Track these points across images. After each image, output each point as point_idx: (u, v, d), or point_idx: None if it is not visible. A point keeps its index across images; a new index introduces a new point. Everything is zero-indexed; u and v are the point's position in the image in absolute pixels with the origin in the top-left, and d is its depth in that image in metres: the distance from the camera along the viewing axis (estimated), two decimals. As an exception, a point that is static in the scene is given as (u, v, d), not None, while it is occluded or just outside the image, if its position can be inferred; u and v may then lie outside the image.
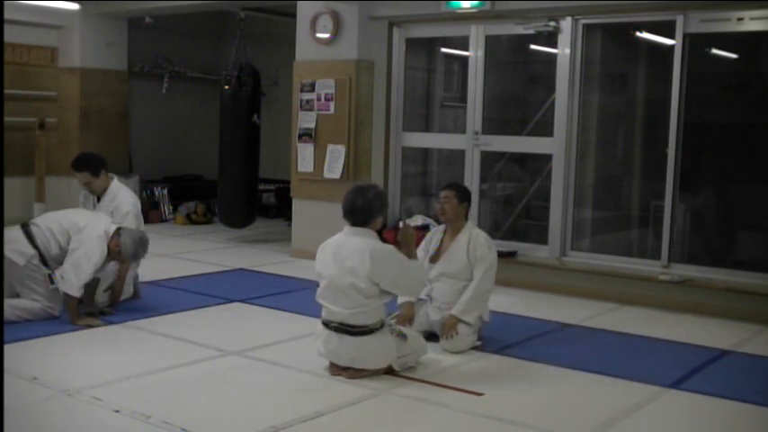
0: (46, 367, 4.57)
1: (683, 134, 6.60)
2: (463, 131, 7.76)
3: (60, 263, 5.51)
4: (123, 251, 5.50)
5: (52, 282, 5.57)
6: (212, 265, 7.84)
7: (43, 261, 5.54)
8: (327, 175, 8.05)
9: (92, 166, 6.02)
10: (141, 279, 6.40)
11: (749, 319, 6.05)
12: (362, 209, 4.48)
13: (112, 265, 6.00)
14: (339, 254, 4.45)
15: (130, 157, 10.89)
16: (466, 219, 5.33)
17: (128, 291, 6.07)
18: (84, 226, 5.49)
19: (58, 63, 10.33)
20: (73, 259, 5.42)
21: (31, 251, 5.49)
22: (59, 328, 5.37)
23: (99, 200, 6.10)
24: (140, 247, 5.58)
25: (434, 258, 5.32)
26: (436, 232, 5.45)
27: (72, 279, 5.39)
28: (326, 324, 4.52)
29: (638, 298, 6.58)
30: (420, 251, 5.41)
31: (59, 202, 10.19)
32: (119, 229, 5.55)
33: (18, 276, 5.51)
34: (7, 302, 5.44)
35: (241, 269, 7.70)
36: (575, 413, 4.14)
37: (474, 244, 5.18)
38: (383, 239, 4.62)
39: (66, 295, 5.44)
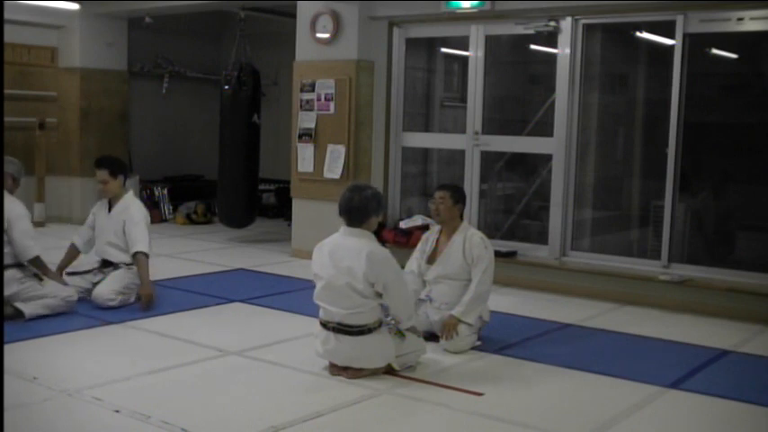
0: (46, 367, 4.57)
1: (683, 134, 6.60)
2: (463, 131, 7.76)
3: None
4: (15, 174, 5.70)
5: (41, 279, 5.60)
6: (212, 265, 7.84)
7: (21, 265, 5.56)
8: (327, 175, 8.05)
9: (112, 166, 6.12)
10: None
11: (749, 319, 6.05)
12: (358, 208, 4.48)
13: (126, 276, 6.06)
14: (336, 254, 4.46)
15: (130, 157, 10.88)
16: (461, 219, 5.33)
17: (130, 297, 6.10)
18: None
19: (58, 63, 10.32)
20: (16, 232, 5.45)
21: (11, 272, 5.44)
22: (59, 327, 5.37)
23: (110, 208, 6.15)
24: (13, 162, 5.76)
25: (431, 259, 5.32)
26: (432, 233, 5.44)
27: (29, 243, 5.51)
28: (324, 324, 4.52)
29: (638, 298, 6.58)
30: (416, 252, 5.44)
31: (59, 202, 10.21)
32: None
33: (18, 297, 5.48)
34: (29, 305, 5.48)
35: (241, 269, 7.70)
36: (575, 413, 4.14)
37: (470, 244, 5.17)
38: (382, 240, 4.63)
39: (36, 260, 5.58)
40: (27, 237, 5.53)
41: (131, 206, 6.14)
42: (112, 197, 6.15)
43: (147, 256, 6.01)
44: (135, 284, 6.11)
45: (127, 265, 6.12)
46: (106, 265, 6.17)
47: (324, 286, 4.48)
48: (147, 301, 5.92)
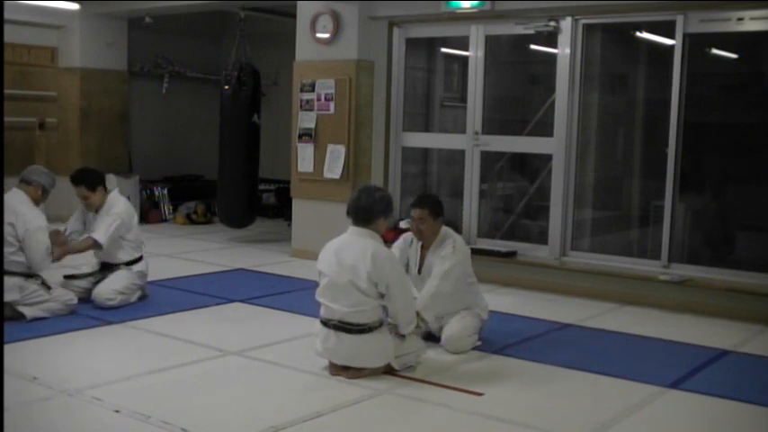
0: (46, 367, 4.57)
1: (683, 134, 6.60)
2: (463, 131, 7.76)
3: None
4: (47, 186, 5.75)
5: (49, 287, 5.60)
6: (212, 265, 7.84)
7: (28, 275, 5.57)
8: (327, 175, 8.05)
9: (89, 180, 6.09)
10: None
11: (749, 319, 6.05)
12: (365, 208, 4.49)
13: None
14: (341, 252, 4.47)
15: (130, 157, 10.90)
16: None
17: (131, 299, 6.10)
18: (7, 210, 5.42)
19: (58, 63, 10.33)
20: (30, 241, 5.47)
21: (14, 280, 5.44)
22: (59, 327, 5.37)
23: (97, 212, 6.14)
24: (47, 174, 5.81)
25: (420, 271, 5.20)
26: (413, 241, 5.20)
27: (42, 252, 5.52)
28: (325, 323, 4.52)
29: (638, 298, 6.58)
30: (395, 249, 5.20)
31: (59, 202, 10.21)
32: (23, 181, 5.70)
33: (20, 303, 5.47)
34: (30, 309, 5.49)
35: (241, 269, 7.70)
36: (575, 413, 4.14)
37: (442, 250, 5.05)
38: (383, 240, 4.63)
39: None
40: (43, 248, 5.56)
41: (116, 204, 6.11)
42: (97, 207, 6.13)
43: (97, 246, 5.97)
44: (135, 285, 6.13)
45: (126, 264, 6.13)
46: (105, 267, 6.17)
47: (327, 284, 4.49)
48: (59, 253, 5.81)
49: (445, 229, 5.16)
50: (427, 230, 5.06)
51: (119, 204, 6.12)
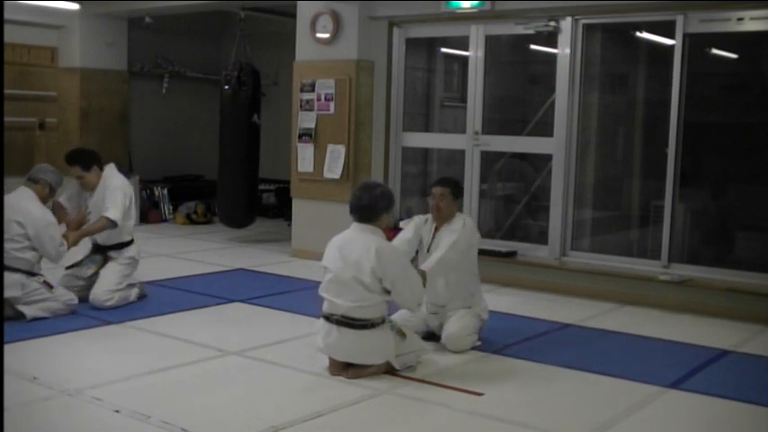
0: (46, 367, 4.57)
1: (683, 134, 6.60)
2: (463, 131, 7.76)
3: (39, 254, 5.61)
4: (54, 185, 5.74)
5: (51, 286, 5.61)
6: (212, 265, 7.84)
7: (31, 273, 5.57)
8: (327, 175, 8.05)
9: (83, 160, 6.09)
10: (142, 279, 6.42)
11: (749, 319, 6.05)
12: (368, 206, 4.52)
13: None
14: (345, 248, 4.49)
15: (130, 157, 10.89)
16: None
17: (130, 296, 6.10)
18: (16, 208, 5.46)
19: (58, 63, 10.33)
20: (44, 238, 5.50)
21: (17, 276, 5.44)
22: (59, 327, 5.37)
23: (93, 190, 6.13)
24: (54, 172, 5.81)
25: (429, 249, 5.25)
26: (427, 221, 5.28)
27: (55, 246, 5.55)
28: (328, 317, 4.53)
29: (638, 298, 6.58)
30: (410, 225, 5.29)
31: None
32: (30, 180, 5.71)
33: (20, 301, 5.47)
34: (31, 308, 5.49)
35: (241, 269, 7.70)
36: (575, 413, 4.14)
37: (453, 226, 5.11)
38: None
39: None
40: (56, 242, 5.59)
41: (112, 178, 6.11)
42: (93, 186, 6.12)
43: (112, 224, 5.96)
44: (127, 275, 6.12)
45: (120, 246, 6.13)
46: (97, 250, 6.17)
47: (331, 279, 4.50)
48: (75, 238, 5.85)
49: (460, 213, 5.27)
50: (445, 209, 5.16)
51: (115, 178, 6.12)
